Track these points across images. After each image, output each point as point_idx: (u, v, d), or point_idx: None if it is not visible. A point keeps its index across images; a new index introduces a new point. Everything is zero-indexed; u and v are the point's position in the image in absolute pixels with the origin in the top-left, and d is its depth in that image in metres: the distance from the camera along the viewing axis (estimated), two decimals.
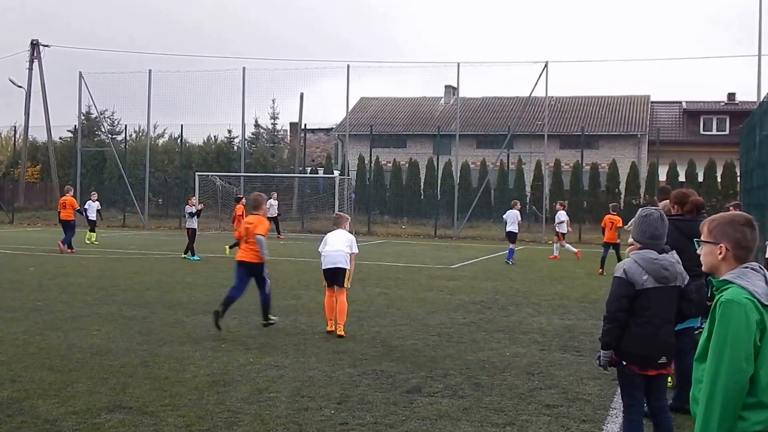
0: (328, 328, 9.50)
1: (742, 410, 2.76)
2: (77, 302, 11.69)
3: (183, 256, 19.50)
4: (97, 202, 25.13)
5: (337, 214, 10.33)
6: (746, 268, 2.92)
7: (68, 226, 21.29)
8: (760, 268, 2.94)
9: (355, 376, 7.28)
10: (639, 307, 4.54)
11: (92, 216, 24.39)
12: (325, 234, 9.94)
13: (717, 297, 2.87)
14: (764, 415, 2.78)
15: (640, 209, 4.80)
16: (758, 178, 21.86)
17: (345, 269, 9.47)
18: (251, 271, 9.86)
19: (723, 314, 2.78)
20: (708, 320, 2.91)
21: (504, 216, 21.77)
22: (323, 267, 9.60)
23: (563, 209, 22.17)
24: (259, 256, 9.77)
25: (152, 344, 8.60)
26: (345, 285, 9.47)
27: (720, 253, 2.96)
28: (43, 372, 7.20)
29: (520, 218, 22.07)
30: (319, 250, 9.75)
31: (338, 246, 9.51)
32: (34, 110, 42.54)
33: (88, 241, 23.76)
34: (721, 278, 2.94)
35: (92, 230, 24.43)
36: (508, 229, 21.17)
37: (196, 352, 8.23)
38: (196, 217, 19.88)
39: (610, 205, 19.85)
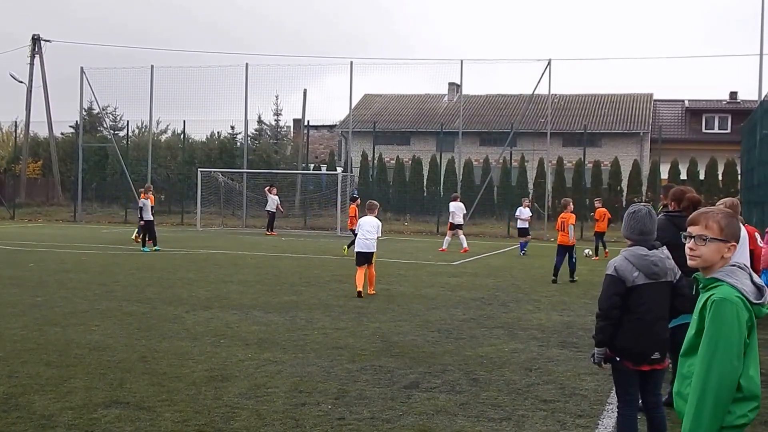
0: (359, 288, 12.39)
1: None
2: (77, 298, 11.69)
3: (143, 249, 20.49)
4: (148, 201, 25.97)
5: (370, 201, 13.65)
6: (733, 266, 2.92)
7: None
8: (745, 266, 2.94)
9: (354, 371, 7.28)
10: (631, 303, 4.55)
11: (147, 216, 25.24)
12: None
13: (707, 295, 2.86)
14: (748, 406, 2.82)
15: (630, 206, 4.81)
16: (759, 176, 21.85)
17: (374, 252, 12.70)
18: (569, 250, 15.14)
19: (716, 313, 2.78)
20: (696, 317, 2.90)
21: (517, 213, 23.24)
22: (357, 250, 12.77)
23: (458, 200, 23.75)
24: (572, 240, 15.20)
25: (151, 340, 8.60)
26: (373, 261, 12.74)
27: (729, 251, 2.93)
28: (41, 367, 7.19)
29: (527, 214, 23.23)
30: (356, 230, 13.34)
31: (370, 235, 12.66)
32: (36, 105, 42.42)
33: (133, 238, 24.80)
34: (709, 276, 2.92)
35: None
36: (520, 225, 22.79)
37: (195, 347, 8.23)
38: (148, 209, 20.95)
39: (596, 199, 23.25)
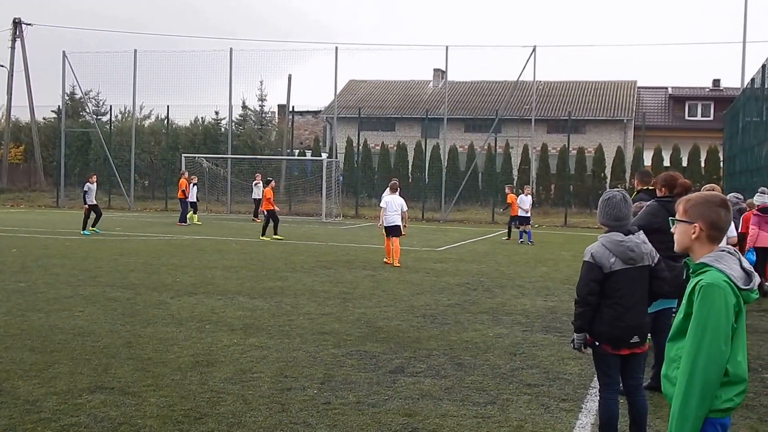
0: (386, 260, 15.13)
1: None
2: (60, 284, 11.62)
3: (83, 232, 20.96)
4: (196, 186, 27.91)
5: (393, 182, 15.98)
6: (723, 251, 2.95)
7: (182, 204, 26.68)
8: (735, 251, 2.97)
9: (339, 356, 7.30)
10: (608, 289, 4.59)
11: (193, 198, 27.34)
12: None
13: (696, 280, 2.89)
14: (734, 391, 2.86)
15: (604, 193, 4.83)
16: (741, 163, 22.07)
17: (399, 226, 15.14)
18: None
19: (703, 298, 2.81)
20: (685, 302, 2.93)
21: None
22: (385, 224, 15.20)
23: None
24: None
25: (136, 325, 8.57)
26: (401, 233, 15.20)
27: (694, 232, 2.98)
28: (24, 353, 7.15)
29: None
30: (381, 205, 15.56)
31: (395, 209, 15.14)
32: (17, 90, 41.93)
33: (189, 221, 26.47)
34: (698, 261, 2.95)
35: (194, 212, 27.18)
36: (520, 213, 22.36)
37: (180, 333, 8.21)
38: (92, 194, 21.44)
39: (507, 186, 24.48)
